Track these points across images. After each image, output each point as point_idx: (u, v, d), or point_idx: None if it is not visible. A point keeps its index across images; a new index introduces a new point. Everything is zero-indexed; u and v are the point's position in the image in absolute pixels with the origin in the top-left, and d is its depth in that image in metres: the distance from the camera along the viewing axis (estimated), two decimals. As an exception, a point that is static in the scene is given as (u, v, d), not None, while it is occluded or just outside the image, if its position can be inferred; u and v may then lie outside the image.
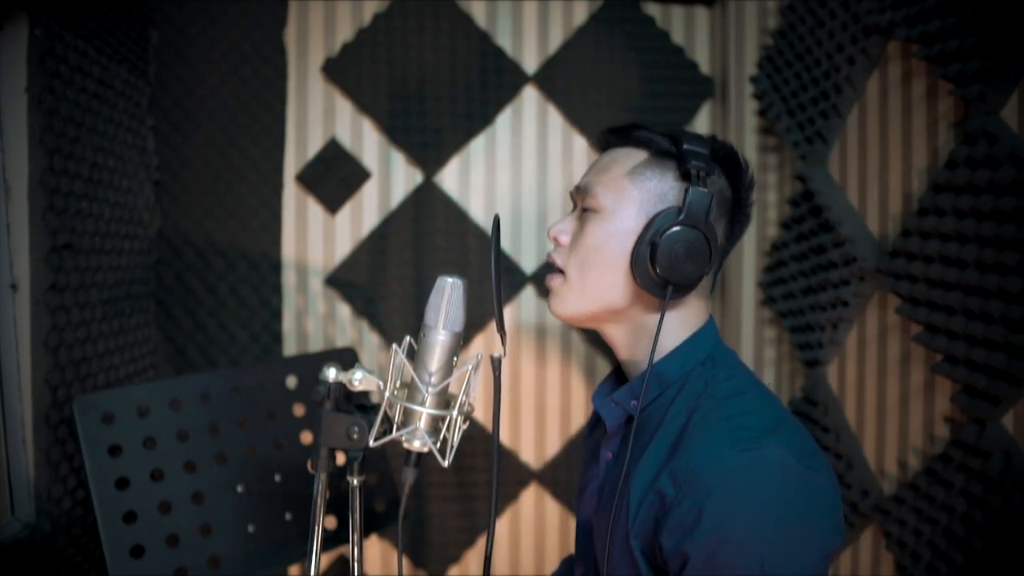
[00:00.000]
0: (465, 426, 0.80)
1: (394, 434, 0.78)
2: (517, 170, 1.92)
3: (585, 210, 0.85)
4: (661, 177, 0.82)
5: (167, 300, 1.78)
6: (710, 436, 0.73)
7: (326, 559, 1.85)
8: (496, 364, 0.80)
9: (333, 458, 0.83)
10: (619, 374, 0.96)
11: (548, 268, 0.89)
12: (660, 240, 0.77)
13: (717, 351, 0.86)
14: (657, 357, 0.84)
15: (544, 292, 0.90)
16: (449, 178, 1.90)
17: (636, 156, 0.85)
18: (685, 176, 0.80)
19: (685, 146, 0.80)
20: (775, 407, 0.80)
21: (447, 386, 0.79)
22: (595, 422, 1.05)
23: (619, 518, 0.78)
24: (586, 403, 1.94)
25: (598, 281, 0.83)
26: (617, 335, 0.88)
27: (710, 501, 0.69)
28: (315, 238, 1.88)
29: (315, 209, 1.87)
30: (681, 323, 0.85)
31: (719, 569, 0.67)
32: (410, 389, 0.79)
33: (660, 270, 0.78)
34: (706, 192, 0.78)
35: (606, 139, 0.91)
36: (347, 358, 1.47)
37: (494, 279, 0.80)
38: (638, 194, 0.82)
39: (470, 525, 1.91)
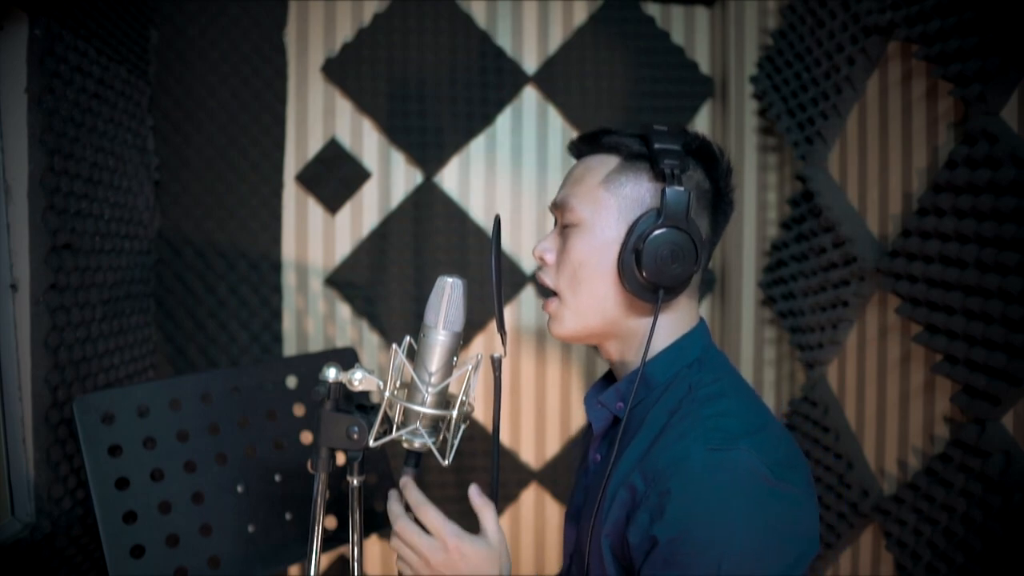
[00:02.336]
0: (465, 426, 0.80)
1: (394, 434, 0.78)
2: (517, 170, 1.92)
3: (566, 225, 0.84)
4: (636, 181, 0.81)
5: (167, 300, 1.78)
6: (684, 435, 0.73)
7: (326, 559, 1.85)
8: (496, 364, 0.80)
9: (333, 458, 0.83)
10: (610, 375, 0.96)
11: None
12: (644, 245, 0.76)
13: (706, 354, 0.84)
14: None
15: (544, 292, 0.89)
16: (449, 178, 1.90)
17: (608, 163, 0.83)
18: (660, 176, 0.79)
19: (656, 145, 0.78)
20: (757, 412, 0.79)
21: (447, 386, 0.79)
22: (589, 424, 1.06)
23: (598, 519, 0.78)
24: (586, 403, 1.93)
25: (590, 295, 0.82)
26: (610, 341, 0.88)
27: (674, 497, 0.69)
28: (315, 238, 1.88)
29: (315, 209, 1.87)
30: (670, 325, 0.84)
31: (678, 567, 0.67)
32: (410, 389, 0.79)
33: (648, 275, 0.77)
34: (682, 190, 0.76)
35: (578, 148, 0.90)
36: (347, 358, 1.47)
37: (494, 279, 0.80)
38: (615, 202, 0.81)
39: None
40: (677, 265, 0.77)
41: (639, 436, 0.79)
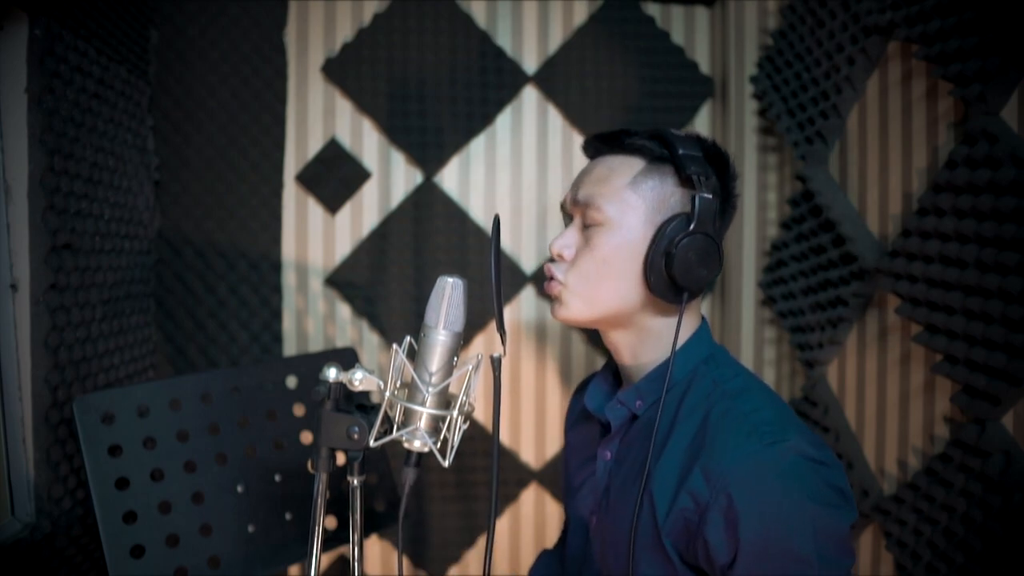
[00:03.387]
0: (465, 426, 0.80)
1: (394, 434, 0.78)
2: (517, 170, 1.92)
3: (588, 224, 0.85)
4: (661, 184, 0.83)
5: (167, 300, 1.78)
6: (735, 432, 0.76)
7: (326, 559, 1.85)
8: (496, 364, 0.80)
9: (333, 458, 0.83)
10: (615, 375, 0.97)
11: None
12: (676, 249, 0.79)
13: (715, 349, 0.88)
14: (660, 360, 0.86)
15: (544, 292, 0.90)
16: (449, 178, 1.90)
17: (634, 164, 0.85)
18: (686, 182, 0.81)
19: (680, 151, 0.81)
20: (779, 401, 0.84)
21: (447, 386, 0.79)
22: (575, 420, 1.06)
23: (643, 517, 0.79)
24: (586, 403, 1.93)
25: (610, 292, 0.84)
26: (622, 340, 0.89)
27: (747, 494, 0.72)
28: (315, 238, 1.88)
29: (315, 209, 1.87)
30: (684, 325, 0.86)
31: (770, 559, 0.71)
32: (410, 389, 0.79)
33: (677, 278, 0.79)
34: (711, 198, 0.79)
35: (595, 147, 0.91)
36: (347, 358, 1.47)
37: (494, 279, 0.80)
38: (642, 203, 0.83)
39: (470, 525, 1.91)
40: (704, 269, 0.80)
41: (676, 434, 0.81)
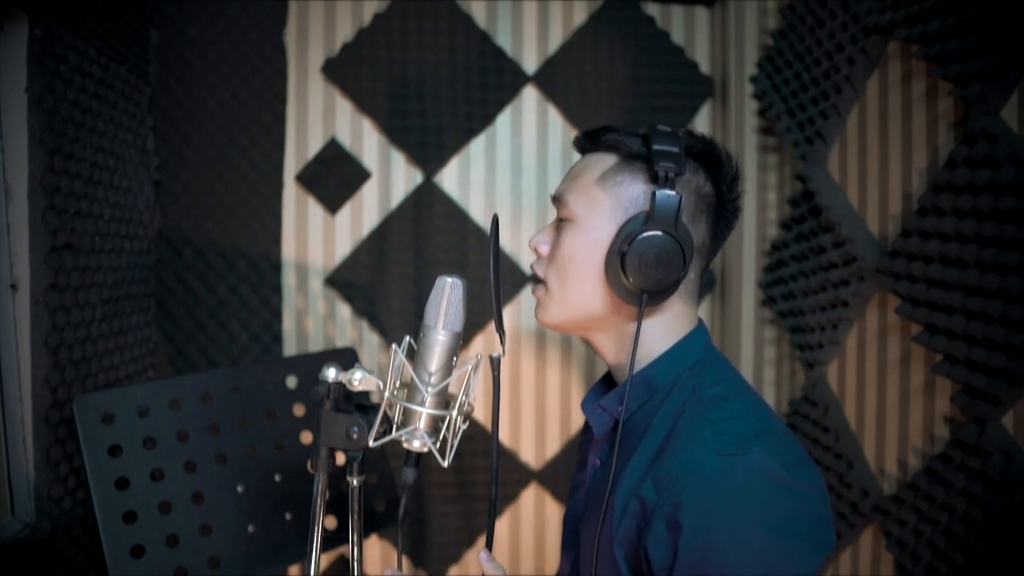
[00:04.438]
0: (465, 426, 0.80)
1: (394, 434, 0.78)
2: (517, 170, 1.92)
3: (562, 220, 0.84)
4: (632, 181, 0.80)
5: (167, 300, 1.78)
6: (694, 441, 0.72)
7: (326, 559, 1.85)
8: (495, 364, 0.80)
9: (333, 458, 0.83)
10: (609, 379, 0.95)
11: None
12: (628, 248, 0.75)
13: (708, 356, 0.84)
14: (645, 363, 0.83)
15: (537, 280, 0.89)
16: (449, 178, 1.90)
17: (606, 161, 0.82)
18: (655, 178, 0.77)
19: (655, 147, 0.77)
20: (762, 413, 0.79)
21: (447, 386, 0.79)
22: (588, 425, 1.05)
23: (605, 526, 0.77)
24: (586, 403, 1.93)
25: (577, 291, 0.81)
26: (603, 342, 0.87)
27: (691, 506, 0.68)
28: (315, 238, 1.88)
29: (315, 209, 1.87)
30: (668, 328, 0.83)
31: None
32: (410, 389, 0.79)
33: (631, 278, 0.76)
34: (673, 194, 0.75)
35: (581, 144, 0.89)
36: (347, 358, 1.47)
37: (492, 279, 0.80)
38: (609, 201, 0.80)
39: (470, 525, 1.91)
40: (661, 270, 0.76)
41: (645, 441, 0.78)
